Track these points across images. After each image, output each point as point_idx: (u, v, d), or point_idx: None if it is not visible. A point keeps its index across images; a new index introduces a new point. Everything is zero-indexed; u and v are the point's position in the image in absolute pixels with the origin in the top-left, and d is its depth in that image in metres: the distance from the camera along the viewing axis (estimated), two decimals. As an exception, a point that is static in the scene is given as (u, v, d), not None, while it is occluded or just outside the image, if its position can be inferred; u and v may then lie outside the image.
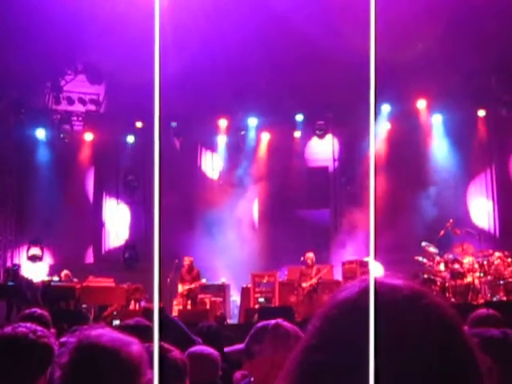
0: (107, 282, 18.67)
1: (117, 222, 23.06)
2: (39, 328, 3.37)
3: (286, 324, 4.60)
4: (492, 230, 20.35)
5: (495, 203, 20.56)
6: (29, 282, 17.46)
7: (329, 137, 22.20)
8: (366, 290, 1.33)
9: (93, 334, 2.54)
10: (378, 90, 1.21)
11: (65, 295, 16.75)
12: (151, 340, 1.16)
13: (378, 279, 1.37)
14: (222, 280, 19.88)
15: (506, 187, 20.32)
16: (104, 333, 2.61)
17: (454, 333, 1.37)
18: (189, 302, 18.56)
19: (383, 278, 1.45)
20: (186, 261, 18.79)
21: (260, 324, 4.84)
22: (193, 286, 18.47)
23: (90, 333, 2.59)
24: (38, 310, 5.60)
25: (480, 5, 15.79)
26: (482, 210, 20.54)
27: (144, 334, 4.60)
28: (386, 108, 20.59)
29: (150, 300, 17.82)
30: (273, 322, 4.63)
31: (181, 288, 18.54)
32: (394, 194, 19.15)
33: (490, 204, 20.63)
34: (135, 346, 2.58)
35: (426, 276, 16.99)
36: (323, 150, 22.51)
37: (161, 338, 1.15)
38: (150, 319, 5.95)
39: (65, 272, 17.97)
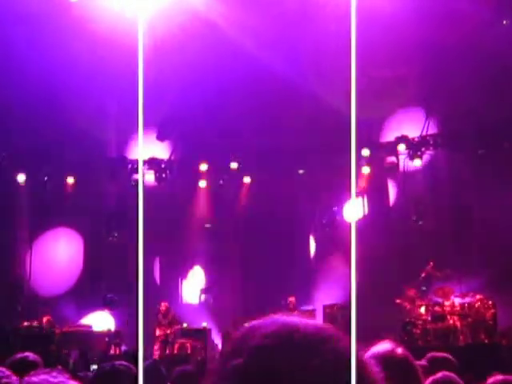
0: (86, 327, 18.52)
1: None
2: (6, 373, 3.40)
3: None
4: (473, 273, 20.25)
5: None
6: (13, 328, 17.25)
7: (310, 180, 22.18)
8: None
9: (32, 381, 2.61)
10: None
11: (44, 340, 16.54)
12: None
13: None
14: (203, 324, 19.73)
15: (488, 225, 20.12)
16: (45, 378, 2.66)
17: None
18: (167, 347, 18.45)
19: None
20: (162, 306, 18.78)
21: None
22: (168, 331, 18.42)
23: (30, 379, 2.67)
24: (31, 356, 5.45)
25: (453, 57, 16.14)
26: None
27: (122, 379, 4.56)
28: (365, 152, 20.57)
29: (131, 344, 17.69)
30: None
31: (158, 332, 18.46)
32: (376, 236, 19.14)
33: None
34: None
35: (407, 319, 16.97)
36: (303, 193, 22.48)
37: None
38: (131, 363, 5.90)
39: (46, 317, 17.79)
